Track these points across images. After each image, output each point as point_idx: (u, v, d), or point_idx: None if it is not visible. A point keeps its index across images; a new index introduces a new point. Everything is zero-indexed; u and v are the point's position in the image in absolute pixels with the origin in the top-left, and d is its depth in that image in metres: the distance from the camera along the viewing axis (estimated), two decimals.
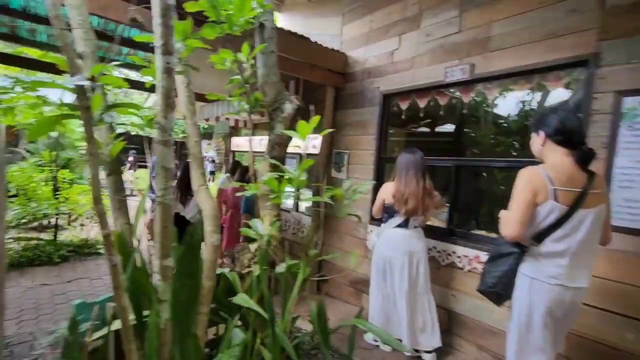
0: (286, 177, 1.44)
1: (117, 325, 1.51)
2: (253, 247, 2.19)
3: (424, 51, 2.88)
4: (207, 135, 17.33)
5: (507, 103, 4.17)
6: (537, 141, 1.65)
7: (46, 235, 4.87)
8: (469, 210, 3.81)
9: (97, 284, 3.79)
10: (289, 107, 2.17)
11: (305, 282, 1.67)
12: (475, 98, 2.78)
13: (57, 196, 4.74)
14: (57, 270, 4.10)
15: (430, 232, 2.82)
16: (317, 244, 1.73)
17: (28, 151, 9.68)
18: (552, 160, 1.58)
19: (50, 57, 1.22)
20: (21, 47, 4.23)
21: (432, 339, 2.49)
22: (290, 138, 2.28)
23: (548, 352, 1.61)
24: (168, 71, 1.31)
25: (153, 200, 5.69)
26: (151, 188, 5.65)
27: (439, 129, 4.39)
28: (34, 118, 4.62)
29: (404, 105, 3.14)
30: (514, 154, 4.30)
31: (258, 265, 1.88)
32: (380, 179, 3.23)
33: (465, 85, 2.64)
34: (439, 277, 2.73)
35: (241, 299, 1.63)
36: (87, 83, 1.08)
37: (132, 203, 7.67)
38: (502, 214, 1.70)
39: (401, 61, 3.06)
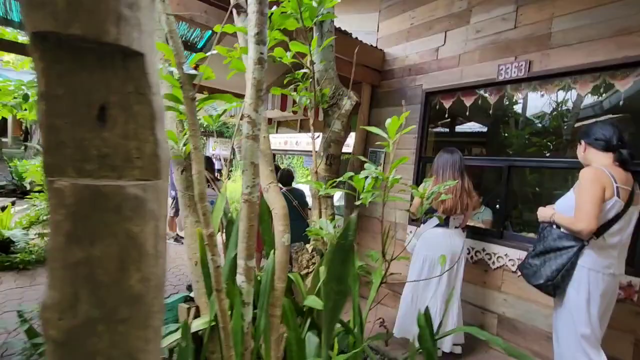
0: (373, 175, 1.37)
1: (194, 327, 1.44)
2: (310, 247, 2.13)
3: (473, 48, 2.80)
4: (218, 133, 17.27)
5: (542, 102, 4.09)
6: (580, 149, 1.86)
7: None
8: (509, 211, 3.74)
9: None
10: (347, 103, 2.11)
11: (380, 284, 1.61)
12: (536, 94, 2.70)
13: None
14: None
15: (478, 234, 2.75)
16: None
17: None
18: (599, 163, 1.72)
19: (160, 45, 1.15)
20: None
21: (448, 342, 2.46)
22: (347, 135, 2.21)
23: (600, 341, 1.73)
24: (261, 62, 1.24)
25: (173, 198, 5.60)
26: (171, 184, 5.59)
27: (480, 127, 4.30)
28: None
29: (446, 104, 3.07)
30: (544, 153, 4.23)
31: (322, 266, 1.81)
32: (420, 179, 3.16)
33: (519, 83, 2.57)
34: (488, 280, 2.66)
35: (313, 301, 1.57)
36: (195, 72, 1.01)
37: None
38: (545, 211, 1.88)
39: (447, 58, 2.98)
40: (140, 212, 0.51)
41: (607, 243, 1.68)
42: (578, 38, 2.24)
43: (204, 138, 18.69)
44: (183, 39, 4.36)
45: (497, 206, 2.75)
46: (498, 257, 2.61)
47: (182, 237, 5.63)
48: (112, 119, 0.50)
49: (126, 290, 0.50)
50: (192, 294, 1.56)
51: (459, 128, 4.89)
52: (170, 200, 5.50)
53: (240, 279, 1.32)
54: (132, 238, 0.50)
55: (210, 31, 4.30)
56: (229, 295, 1.39)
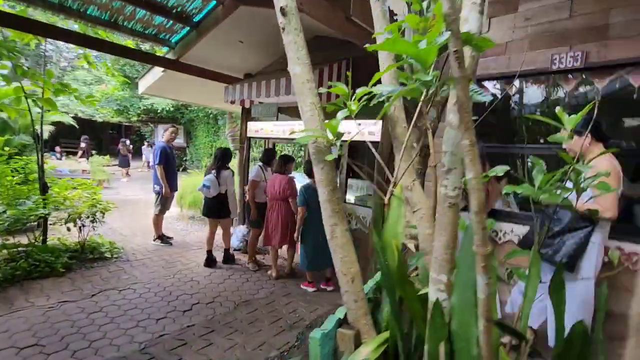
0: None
1: (362, 357, 1.21)
2: (411, 245, 1.95)
3: (521, 36, 2.79)
4: (171, 119, 15.85)
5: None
6: (585, 141, 2.02)
7: (26, 240, 3.96)
8: None
9: (130, 295, 3.18)
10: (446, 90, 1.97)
11: None
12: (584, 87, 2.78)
13: (47, 193, 3.86)
14: (67, 282, 3.36)
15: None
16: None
17: None
18: (595, 153, 1.83)
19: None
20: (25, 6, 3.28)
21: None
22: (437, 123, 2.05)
23: None
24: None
25: (158, 193, 4.96)
26: (154, 179, 4.90)
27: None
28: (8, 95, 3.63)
29: (486, 91, 3.06)
30: None
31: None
32: None
33: (571, 73, 2.63)
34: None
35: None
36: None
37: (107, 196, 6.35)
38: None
39: None
40: None
41: (608, 222, 2.00)
42: (639, 30, 2.33)
43: (153, 125, 17.03)
44: (178, 9, 3.73)
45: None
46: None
47: (169, 237, 5.02)
48: None
49: None
50: (340, 315, 1.31)
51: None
52: (154, 196, 4.83)
53: (439, 295, 1.12)
54: None
55: (215, 2, 3.74)
56: (415, 316, 1.18)
